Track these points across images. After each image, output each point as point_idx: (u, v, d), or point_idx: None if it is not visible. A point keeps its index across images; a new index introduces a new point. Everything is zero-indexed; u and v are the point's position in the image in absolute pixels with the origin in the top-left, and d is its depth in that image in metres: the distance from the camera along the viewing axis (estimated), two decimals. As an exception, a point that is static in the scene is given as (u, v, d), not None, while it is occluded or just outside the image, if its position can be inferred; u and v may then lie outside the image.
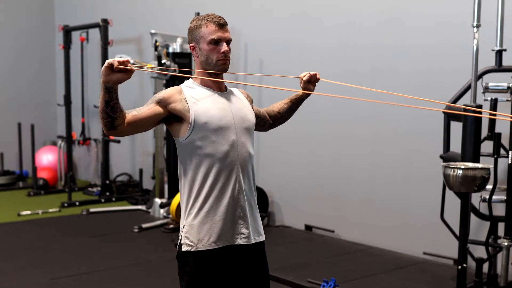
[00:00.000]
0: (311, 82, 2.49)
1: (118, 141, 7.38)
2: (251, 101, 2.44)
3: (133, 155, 8.04)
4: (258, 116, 2.47)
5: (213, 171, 2.19)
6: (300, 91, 2.53)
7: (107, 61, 1.99)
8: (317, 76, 2.48)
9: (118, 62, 1.99)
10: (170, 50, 6.11)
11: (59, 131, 9.05)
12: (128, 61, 2.00)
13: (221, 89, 2.30)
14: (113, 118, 2.06)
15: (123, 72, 2.00)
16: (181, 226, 2.26)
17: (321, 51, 5.57)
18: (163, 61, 5.99)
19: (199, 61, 2.27)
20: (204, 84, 2.27)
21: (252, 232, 2.28)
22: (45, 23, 9.19)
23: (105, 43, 7.31)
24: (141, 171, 7.47)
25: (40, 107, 9.11)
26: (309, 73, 2.47)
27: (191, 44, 2.28)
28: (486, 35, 3.98)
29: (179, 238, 2.26)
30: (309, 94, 2.53)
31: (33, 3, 9.10)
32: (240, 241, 2.24)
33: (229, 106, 2.26)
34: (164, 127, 6.43)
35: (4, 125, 8.61)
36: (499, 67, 3.95)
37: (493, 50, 3.93)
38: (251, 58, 6.18)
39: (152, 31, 6.17)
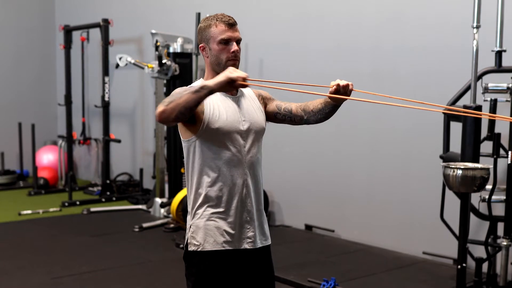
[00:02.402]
0: (340, 93, 2.19)
1: (119, 141, 7.39)
2: (266, 98, 2.38)
3: (134, 155, 8.05)
4: (277, 113, 2.36)
5: (221, 174, 2.18)
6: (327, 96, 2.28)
7: (229, 76, 2.00)
8: (350, 87, 2.18)
9: (242, 78, 2.01)
10: (171, 50, 6.12)
11: (59, 130, 9.06)
12: (247, 77, 2.03)
13: (232, 92, 2.26)
14: (188, 114, 2.06)
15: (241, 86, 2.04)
16: (188, 226, 2.26)
17: (321, 51, 5.58)
18: (163, 61, 6.00)
19: (209, 62, 2.25)
20: None
21: (258, 236, 2.28)
22: (46, 23, 9.19)
23: (106, 43, 7.32)
24: (141, 170, 7.48)
25: (41, 106, 9.11)
26: (338, 84, 2.18)
27: (201, 45, 2.26)
28: (486, 35, 3.98)
29: (186, 238, 2.27)
30: (341, 101, 2.26)
31: (34, 3, 9.11)
32: (246, 245, 2.24)
33: (239, 110, 2.24)
34: (165, 126, 6.46)
35: (5, 124, 8.62)
36: (498, 68, 3.96)
37: (493, 50, 3.94)
38: (251, 58, 6.19)
39: (153, 31, 6.18)
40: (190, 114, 2.06)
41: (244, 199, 2.22)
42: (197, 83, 2.25)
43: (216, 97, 2.21)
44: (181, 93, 2.03)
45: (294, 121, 2.36)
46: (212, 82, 2.03)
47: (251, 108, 2.29)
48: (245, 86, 2.05)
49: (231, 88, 2.05)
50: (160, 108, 2.03)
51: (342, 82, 2.18)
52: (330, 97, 2.23)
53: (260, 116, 2.31)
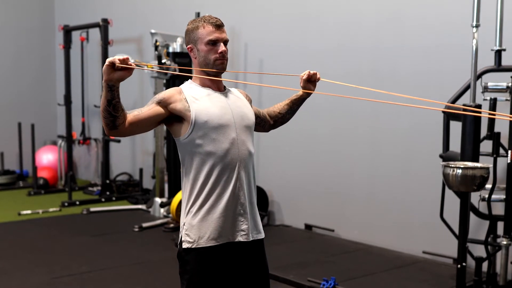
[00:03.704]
0: (311, 81, 2.49)
1: (118, 141, 7.39)
2: (250, 101, 2.46)
3: (133, 155, 8.05)
4: (257, 117, 2.48)
5: (214, 169, 2.21)
6: (300, 91, 2.54)
7: (108, 60, 2.03)
8: (317, 76, 2.48)
9: (119, 60, 2.03)
10: (170, 50, 6.12)
11: (59, 130, 9.06)
12: (128, 59, 2.05)
13: (220, 89, 2.32)
14: (115, 117, 2.08)
15: (124, 70, 2.04)
16: (181, 224, 2.28)
17: (321, 51, 5.58)
18: (163, 61, 6.01)
19: (197, 62, 2.30)
20: (203, 84, 2.30)
21: (251, 229, 2.30)
22: (45, 23, 9.20)
23: (105, 42, 7.32)
24: (141, 170, 7.48)
25: (40, 106, 9.12)
26: (309, 72, 2.47)
27: (188, 46, 2.32)
28: (486, 35, 3.99)
29: (180, 236, 2.28)
30: (309, 94, 2.53)
31: (33, 3, 9.11)
32: (240, 238, 2.26)
33: (229, 104, 2.28)
34: (165, 126, 6.45)
35: (5, 124, 8.62)
36: (498, 67, 3.97)
37: (492, 50, 3.95)
38: (251, 58, 6.19)
39: (152, 31, 6.18)
40: (112, 116, 2.07)
41: (237, 192, 2.24)
42: (186, 84, 2.30)
43: (203, 93, 2.26)
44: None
45: (264, 127, 2.56)
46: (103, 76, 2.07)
47: (240, 102, 2.34)
48: (126, 68, 2.05)
49: (116, 73, 2.03)
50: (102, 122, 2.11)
51: (311, 71, 2.48)
52: (303, 89, 2.49)
53: (249, 111, 2.37)
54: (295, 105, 2.57)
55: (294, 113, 2.60)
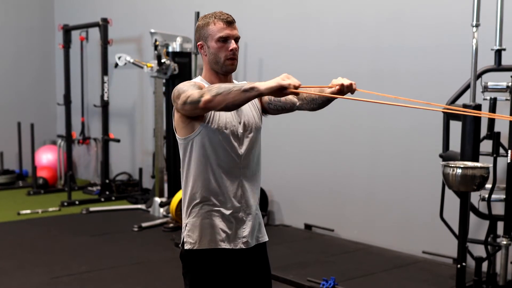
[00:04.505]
0: (343, 93, 2.17)
1: (118, 140, 7.39)
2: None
3: (133, 154, 8.04)
4: (269, 103, 2.35)
5: (217, 173, 2.19)
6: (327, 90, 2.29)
7: (281, 84, 1.96)
8: (354, 87, 2.17)
9: (294, 86, 1.97)
10: (170, 49, 6.12)
11: (58, 130, 9.05)
12: (300, 85, 2.00)
13: None
14: (232, 110, 2.09)
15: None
16: (183, 224, 2.27)
17: (321, 51, 5.58)
18: (163, 61, 6.00)
19: (207, 60, 2.24)
20: (212, 83, 2.22)
21: (254, 235, 2.28)
22: (45, 22, 9.19)
23: (105, 42, 7.31)
24: (141, 170, 7.47)
25: (40, 106, 9.11)
26: (341, 84, 2.15)
27: (199, 43, 2.25)
28: (486, 34, 3.98)
29: (182, 237, 2.27)
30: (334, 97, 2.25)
31: (33, 2, 9.10)
32: (241, 245, 2.24)
33: (237, 109, 2.21)
34: (164, 125, 6.46)
35: (4, 124, 8.61)
36: (498, 67, 3.96)
37: (492, 49, 3.94)
38: (251, 58, 6.19)
39: (152, 31, 6.18)
40: (237, 107, 2.07)
41: (239, 198, 2.22)
42: (196, 80, 2.26)
43: None
44: (227, 88, 2.00)
45: (286, 108, 2.36)
46: (263, 85, 1.97)
47: (247, 107, 2.29)
48: (296, 94, 2.02)
49: (281, 95, 2.00)
50: (207, 96, 2.01)
51: (346, 82, 2.15)
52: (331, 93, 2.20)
53: (256, 115, 2.32)
54: (320, 99, 2.30)
55: (321, 107, 2.35)
